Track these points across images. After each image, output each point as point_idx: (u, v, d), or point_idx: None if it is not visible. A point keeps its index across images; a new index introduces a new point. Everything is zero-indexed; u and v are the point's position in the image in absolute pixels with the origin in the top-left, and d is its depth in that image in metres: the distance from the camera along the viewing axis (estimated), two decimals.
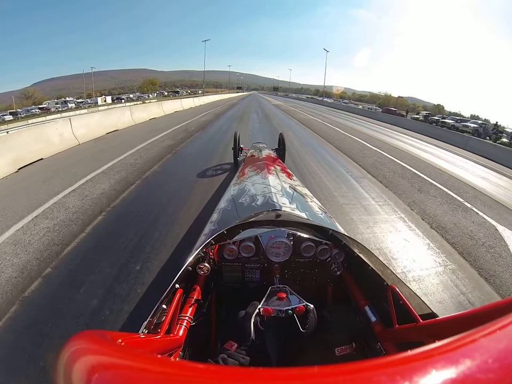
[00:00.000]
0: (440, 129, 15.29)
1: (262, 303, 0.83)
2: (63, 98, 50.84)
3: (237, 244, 1.12)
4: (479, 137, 14.52)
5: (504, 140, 17.76)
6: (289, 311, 0.79)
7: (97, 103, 44.03)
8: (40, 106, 41.21)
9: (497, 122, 21.23)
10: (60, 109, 37.72)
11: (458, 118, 24.15)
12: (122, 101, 46.09)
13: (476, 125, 19.35)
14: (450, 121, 21.53)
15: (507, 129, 20.55)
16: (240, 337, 0.75)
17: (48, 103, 45.77)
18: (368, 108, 36.39)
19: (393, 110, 29.01)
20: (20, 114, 33.18)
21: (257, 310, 0.79)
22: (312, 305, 0.81)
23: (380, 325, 0.89)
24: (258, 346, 0.76)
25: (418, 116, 27.16)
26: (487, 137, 17.21)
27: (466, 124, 19.88)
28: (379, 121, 17.87)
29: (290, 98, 53.12)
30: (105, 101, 46.35)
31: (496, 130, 19.58)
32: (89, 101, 47.31)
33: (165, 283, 0.84)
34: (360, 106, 38.75)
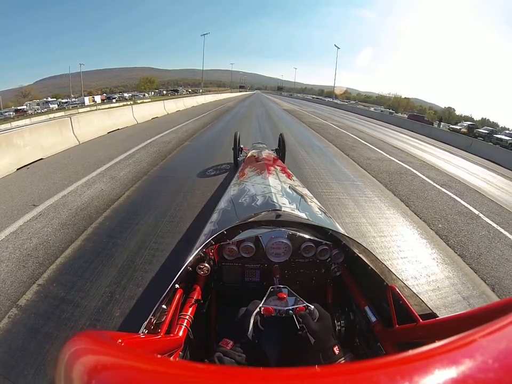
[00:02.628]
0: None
1: (262, 302, 0.83)
2: (44, 99, 45.48)
3: (236, 244, 1.12)
4: None
5: None
6: (290, 311, 0.79)
7: (84, 103, 39.41)
8: (17, 108, 35.51)
9: None
10: (39, 111, 33.21)
11: None
12: (114, 100, 42.91)
13: None
14: (507, 137, 16.30)
15: None
16: (237, 335, 0.75)
17: (29, 103, 39.58)
18: (381, 111, 34.02)
19: (420, 117, 24.92)
20: None
21: (257, 309, 0.79)
22: (312, 306, 0.81)
23: (380, 325, 0.89)
24: (255, 345, 0.75)
25: (458, 127, 21.37)
26: None
27: None
28: (413, 132, 14.37)
29: (295, 98, 50.14)
30: (93, 100, 42.13)
31: None
32: (76, 100, 42.46)
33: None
34: (372, 109, 36.79)
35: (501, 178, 7.53)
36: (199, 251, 1.01)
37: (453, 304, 2.23)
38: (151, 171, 4.66)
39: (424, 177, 5.72)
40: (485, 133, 18.80)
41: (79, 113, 9.73)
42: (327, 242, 1.13)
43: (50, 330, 1.75)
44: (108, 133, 7.72)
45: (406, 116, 31.12)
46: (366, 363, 0.24)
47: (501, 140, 16.32)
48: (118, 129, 8.25)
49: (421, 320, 0.73)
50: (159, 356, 0.34)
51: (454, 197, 4.82)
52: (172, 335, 0.79)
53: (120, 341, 0.46)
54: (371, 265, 1.00)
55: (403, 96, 79.26)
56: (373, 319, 0.92)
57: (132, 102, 27.94)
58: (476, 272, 2.76)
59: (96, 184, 4.02)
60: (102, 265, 2.31)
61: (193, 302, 0.93)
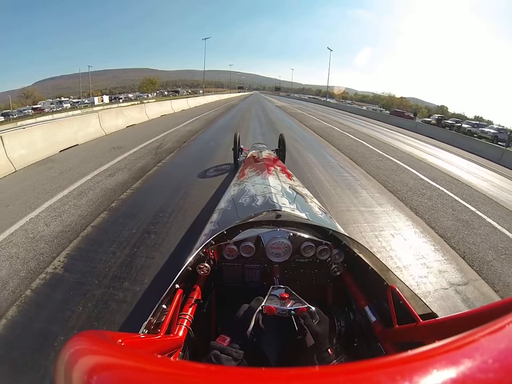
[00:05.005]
0: (464, 137, 13.38)
1: (265, 301, 0.82)
2: (58, 98, 49.82)
3: (236, 243, 1.12)
4: (498, 144, 13.83)
5: None
6: (292, 312, 0.79)
7: (93, 103, 43.46)
8: (34, 106, 39.98)
9: None
10: (55, 109, 36.94)
11: (474, 122, 22.24)
12: (120, 100, 46.56)
13: (494, 131, 17.58)
14: (466, 126, 20.11)
15: None
16: (237, 331, 0.74)
17: (42, 103, 44.34)
18: (373, 109, 35.64)
19: (401, 112, 27.43)
20: (12, 115, 32.31)
21: (260, 307, 0.79)
22: (314, 308, 0.81)
23: (380, 325, 0.89)
24: (253, 343, 0.75)
25: (429, 119, 24.80)
26: (510, 144, 14.89)
27: (484, 129, 18.20)
28: (391, 124, 16.75)
29: (292, 98, 52.82)
30: (102, 100, 46.00)
31: None
32: (86, 100, 46.62)
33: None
34: (364, 107, 38.26)
35: (418, 141, 11.47)
36: (199, 251, 1.01)
37: (370, 196, 4.15)
38: (208, 125, 10.04)
39: (342, 132, 10.70)
40: (451, 123, 22.53)
41: (93, 111, 12.73)
42: (327, 242, 1.13)
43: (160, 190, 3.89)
44: (161, 115, 12.23)
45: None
46: (366, 363, 0.23)
47: (461, 127, 20.44)
48: (165, 114, 12.82)
49: (421, 320, 0.73)
50: (159, 355, 0.34)
51: (357, 140, 9.13)
52: (171, 335, 0.78)
53: (120, 341, 0.46)
54: (371, 265, 1.00)
55: (398, 96, 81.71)
56: (373, 319, 0.92)
57: (139, 102, 31.11)
58: (368, 173, 5.35)
59: (188, 126, 9.45)
60: (186, 155, 5.86)
61: (193, 302, 0.93)
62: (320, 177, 4.69)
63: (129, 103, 31.58)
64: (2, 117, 30.17)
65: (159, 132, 7.84)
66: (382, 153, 7.25)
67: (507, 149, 10.84)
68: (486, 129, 18.10)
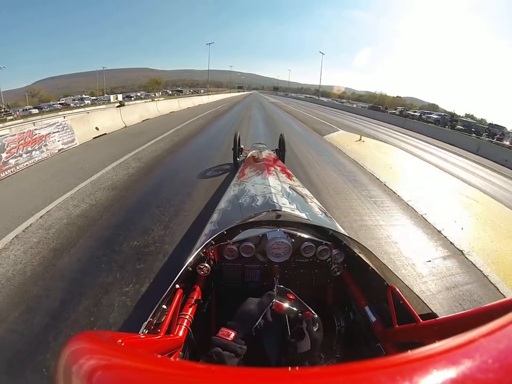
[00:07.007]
0: (402, 119, 20.28)
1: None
2: (79, 95, 57.03)
3: (236, 244, 1.12)
4: (439, 126, 20.71)
5: (459, 126, 22.76)
6: (299, 314, 0.78)
7: (109, 100, 49.12)
8: (59, 102, 48.10)
9: (454, 113, 26.61)
10: (78, 105, 43.12)
11: (427, 111, 33.23)
12: (132, 98, 52.57)
13: (437, 116, 26.65)
14: (417, 114, 29.18)
15: (462, 118, 26.95)
16: (244, 325, 0.73)
17: (65, 99, 52.09)
18: (362, 107, 39.25)
19: (377, 107, 34.90)
20: (45, 109, 37.57)
21: (271, 303, 0.77)
22: (317, 316, 0.80)
23: (380, 325, 0.89)
24: (256, 340, 0.74)
25: (395, 111, 33.36)
26: (446, 126, 22.31)
27: (429, 115, 27.10)
28: (361, 115, 22.42)
29: (289, 98, 55.92)
30: (116, 98, 51.65)
31: (452, 120, 25.18)
32: (102, 98, 53.86)
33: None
34: (354, 105, 42.01)
35: (358, 119, 18.01)
36: (199, 251, 1.01)
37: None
38: (231, 108, 18.66)
39: (300, 111, 19.54)
40: (408, 113, 30.49)
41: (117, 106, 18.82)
42: (327, 242, 1.13)
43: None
44: (198, 104, 19.90)
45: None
46: (366, 363, 0.23)
47: (414, 115, 27.98)
48: (200, 104, 20.01)
49: (421, 320, 0.73)
50: (159, 355, 0.34)
51: (307, 115, 17.27)
52: (171, 335, 0.78)
53: (120, 341, 0.46)
54: (371, 265, 1.00)
55: (395, 95, 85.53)
56: (373, 319, 0.92)
57: (150, 100, 35.63)
58: (307, 125, 12.24)
59: (222, 108, 18.54)
60: (231, 113, 15.54)
61: (193, 302, 0.93)
62: (278, 121, 11.87)
63: (143, 101, 36.42)
64: (37, 110, 35.64)
65: (209, 109, 16.02)
66: (317, 119, 14.75)
67: (430, 124, 19.35)
68: (431, 115, 26.89)
